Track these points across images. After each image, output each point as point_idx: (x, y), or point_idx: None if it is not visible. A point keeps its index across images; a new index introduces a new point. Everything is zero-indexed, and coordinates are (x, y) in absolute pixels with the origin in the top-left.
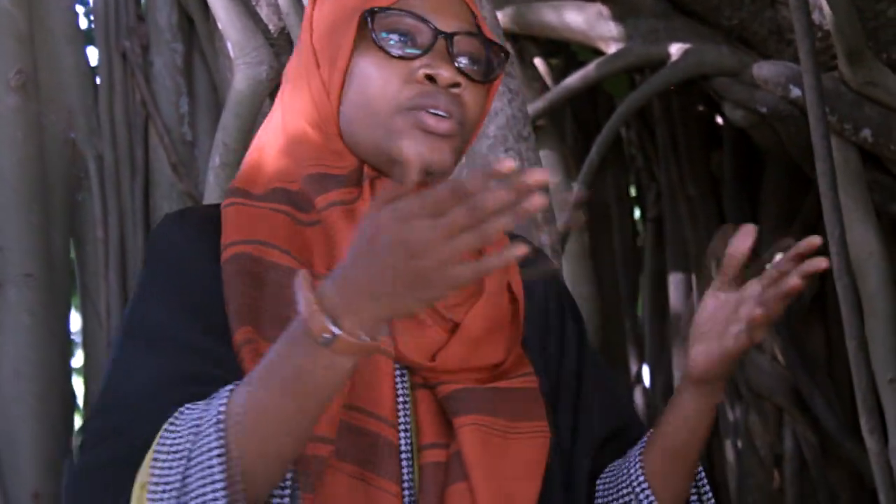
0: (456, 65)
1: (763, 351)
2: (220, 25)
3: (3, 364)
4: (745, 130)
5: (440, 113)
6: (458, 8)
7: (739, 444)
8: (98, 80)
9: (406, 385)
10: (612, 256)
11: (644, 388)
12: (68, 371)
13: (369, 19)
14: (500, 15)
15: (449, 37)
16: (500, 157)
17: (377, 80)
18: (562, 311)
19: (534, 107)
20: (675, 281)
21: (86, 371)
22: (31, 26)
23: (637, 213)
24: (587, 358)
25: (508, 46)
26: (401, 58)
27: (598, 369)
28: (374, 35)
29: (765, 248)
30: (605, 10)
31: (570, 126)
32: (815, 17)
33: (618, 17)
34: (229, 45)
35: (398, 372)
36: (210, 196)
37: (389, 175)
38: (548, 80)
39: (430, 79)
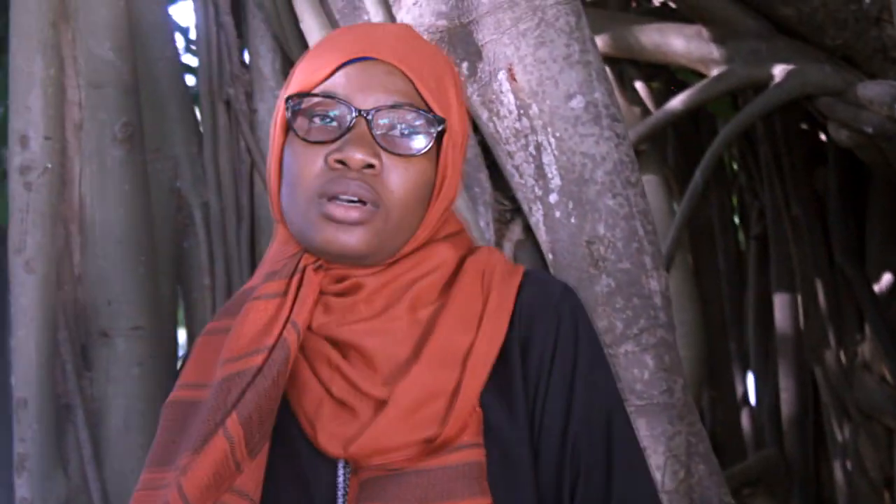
0: (379, 142)
1: (872, 371)
2: None
3: (112, 417)
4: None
5: (351, 199)
6: (387, 79)
7: (849, 465)
8: (202, 129)
9: (346, 473)
10: (716, 276)
11: (750, 408)
12: None
13: (289, 107)
14: (598, 39)
15: (367, 114)
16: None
17: (297, 167)
18: (552, 356)
19: (635, 131)
20: (780, 300)
21: None
22: (135, 77)
23: (740, 231)
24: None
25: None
26: (318, 143)
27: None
28: (290, 122)
29: (871, 267)
30: (705, 31)
31: (672, 148)
32: None
33: (719, 38)
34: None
35: (342, 462)
36: None
37: (328, 259)
38: (649, 104)
39: (343, 163)
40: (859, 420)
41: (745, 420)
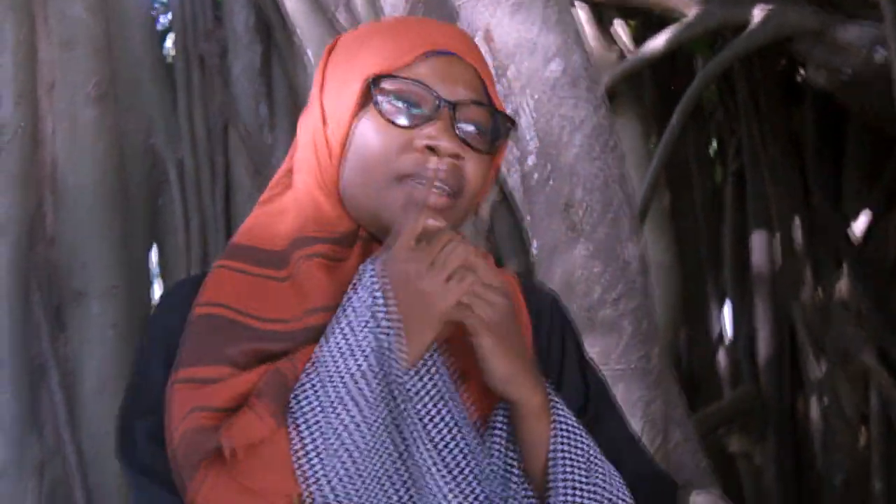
0: (459, 135)
1: (848, 309)
2: (298, 34)
3: (86, 379)
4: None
5: (438, 187)
6: (467, 76)
7: (825, 402)
8: (176, 86)
9: None
10: (693, 214)
11: (726, 346)
12: None
13: (373, 85)
14: None
15: (453, 106)
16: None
17: (376, 145)
18: (562, 341)
19: (613, 72)
20: (757, 238)
21: None
22: (108, 35)
23: (717, 170)
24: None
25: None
26: (402, 125)
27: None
28: (376, 100)
29: (847, 207)
30: None
31: (649, 88)
32: None
33: None
34: (309, 54)
35: None
36: None
37: (382, 239)
38: (627, 44)
39: (431, 149)
40: (835, 358)
41: (721, 358)
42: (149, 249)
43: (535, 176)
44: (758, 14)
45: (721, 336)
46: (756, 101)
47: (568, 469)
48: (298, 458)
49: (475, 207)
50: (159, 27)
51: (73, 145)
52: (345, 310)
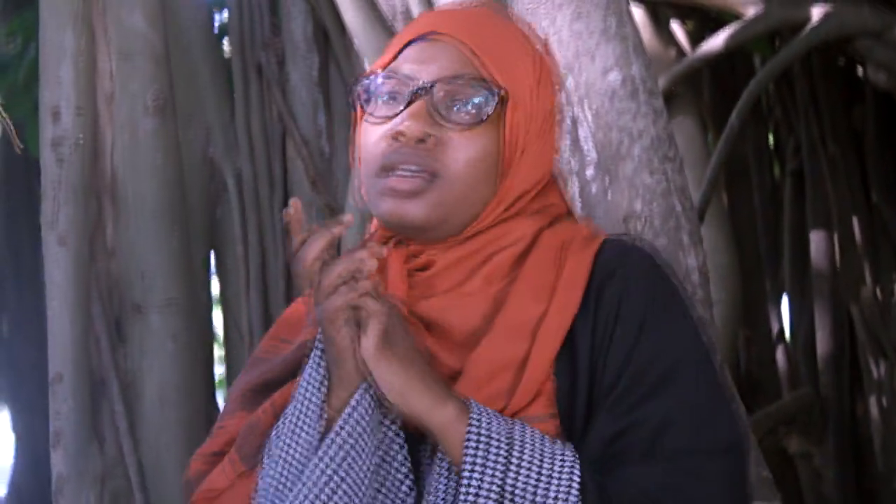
0: (440, 113)
1: None
2: (354, 41)
3: (147, 392)
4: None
5: (407, 170)
6: (447, 53)
7: (884, 403)
8: (235, 96)
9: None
10: (752, 213)
11: (786, 345)
12: (213, 394)
13: (355, 89)
14: None
15: (427, 87)
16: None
17: (366, 146)
18: (617, 308)
19: (671, 73)
20: (816, 237)
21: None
22: (166, 46)
23: (776, 167)
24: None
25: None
26: (380, 119)
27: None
28: (357, 102)
29: None
30: None
31: (708, 87)
32: None
33: None
34: (366, 64)
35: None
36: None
37: (402, 235)
38: (684, 44)
39: (397, 136)
40: (895, 358)
41: (780, 358)
42: (208, 260)
43: (594, 188)
44: (817, 13)
45: (780, 335)
46: (815, 99)
47: (475, 482)
48: (260, 497)
49: (496, 178)
50: (215, 30)
51: (133, 156)
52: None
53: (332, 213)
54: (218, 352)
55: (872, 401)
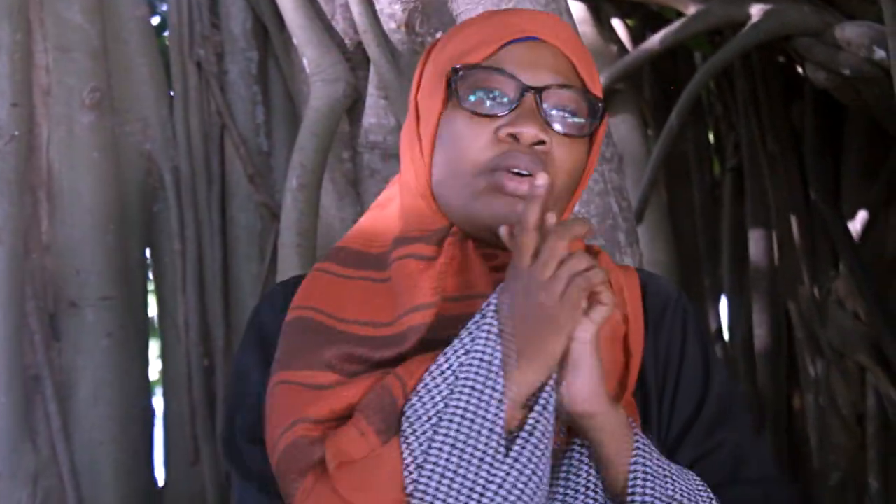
0: (546, 120)
1: (845, 308)
2: (294, 40)
3: (81, 389)
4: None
5: (521, 172)
6: (553, 60)
7: (821, 401)
8: (173, 91)
9: None
10: (691, 210)
11: (724, 342)
12: (148, 391)
13: (454, 78)
14: None
15: (538, 91)
16: None
17: (462, 140)
18: (682, 343)
19: (613, 70)
20: (755, 235)
21: (164, 386)
22: (104, 40)
23: (716, 165)
24: (708, 402)
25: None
26: (486, 116)
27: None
28: (458, 94)
29: (846, 205)
30: None
31: (649, 83)
32: None
33: None
34: (305, 61)
35: None
36: (287, 219)
37: (477, 236)
38: (626, 41)
39: (514, 137)
40: (832, 356)
41: (718, 354)
42: (144, 256)
43: None
44: (757, 12)
45: (718, 332)
46: (755, 96)
47: (649, 485)
48: (410, 474)
49: (572, 194)
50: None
51: (69, 151)
52: (462, 340)
53: (269, 210)
54: (154, 349)
55: (809, 399)
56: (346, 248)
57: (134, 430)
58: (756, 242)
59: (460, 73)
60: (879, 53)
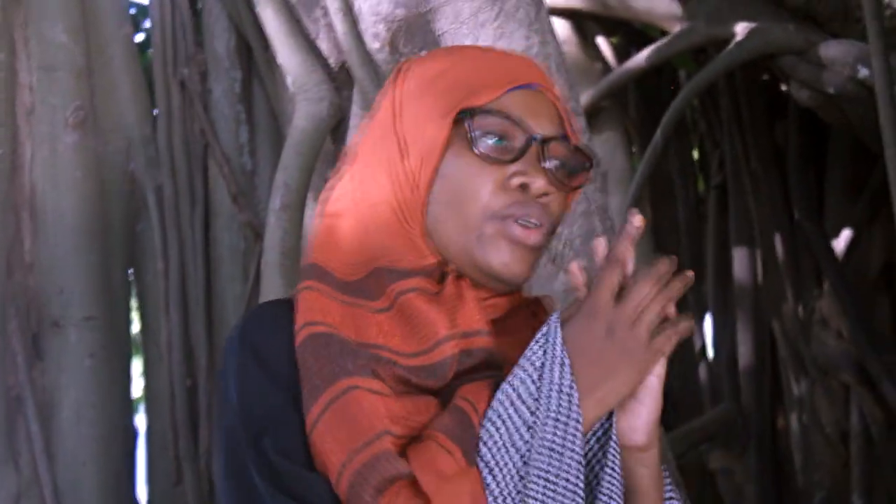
0: (547, 170)
1: (829, 327)
2: (278, 60)
3: (64, 409)
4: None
5: (531, 223)
6: (550, 111)
7: (805, 419)
8: (156, 110)
9: None
10: (675, 227)
11: (707, 361)
12: (131, 410)
13: (468, 120)
14: None
15: (543, 142)
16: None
17: (470, 183)
18: None
19: (597, 87)
20: (739, 253)
21: (147, 405)
22: (88, 59)
23: (700, 182)
24: None
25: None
26: (495, 162)
27: None
28: (471, 137)
29: (829, 223)
30: None
31: (634, 101)
32: None
33: None
34: (289, 80)
35: None
36: (271, 239)
37: (471, 276)
38: (610, 60)
39: (523, 187)
40: (816, 375)
41: (702, 373)
42: (127, 276)
43: None
44: (741, 30)
45: (702, 351)
46: (739, 114)
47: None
48: (495, 499)
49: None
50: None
51: (53, 170)
52: (526, 370)
53: (253, 229)
54: (136, 367)
55: (793, 417)
56: (322, 269)
57: (116, 449)
58: (740, 260)
59: (474, 116)
60: (863, 72)
